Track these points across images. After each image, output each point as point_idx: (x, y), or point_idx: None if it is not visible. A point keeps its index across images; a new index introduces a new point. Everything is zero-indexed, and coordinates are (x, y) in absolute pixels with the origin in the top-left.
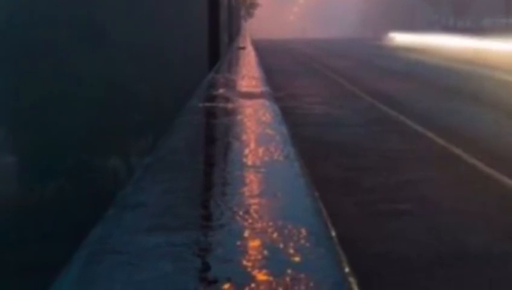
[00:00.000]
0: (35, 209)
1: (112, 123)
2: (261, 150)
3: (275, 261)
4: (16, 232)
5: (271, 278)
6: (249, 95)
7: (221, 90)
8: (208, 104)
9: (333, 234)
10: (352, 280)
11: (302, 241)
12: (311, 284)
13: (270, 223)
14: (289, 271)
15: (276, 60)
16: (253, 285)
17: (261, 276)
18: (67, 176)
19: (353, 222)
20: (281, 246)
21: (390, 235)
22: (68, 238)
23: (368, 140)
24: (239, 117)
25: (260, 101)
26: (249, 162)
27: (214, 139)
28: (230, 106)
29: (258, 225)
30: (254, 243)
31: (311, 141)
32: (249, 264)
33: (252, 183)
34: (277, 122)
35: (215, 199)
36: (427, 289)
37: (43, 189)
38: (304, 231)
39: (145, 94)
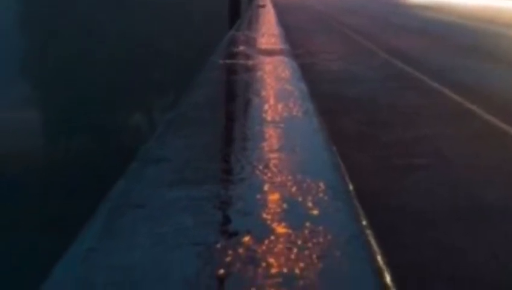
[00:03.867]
0: (60, 163)
1: (135, 79)
2: (280, 106)
3: (293, 214)
4: (41, 186)
5: (290, 231)
6: (269, 52)
7: (241, 48)
8: (228, 61)
9: (351, 187)
10: (369, 232)
11: (321, 195)
12: (329, 236)
13: (289, 177)
14: (307, 224)
15: (294, 18)
16: (272, 237)
17: (280, 229)
18: (92, 131)
19: (369, 176)
20: (300, 199)
21: (406, 188)
22: (92, 191)
23: (384, 96)
24: (259, 73)
25: (279, 58)
26: (269, 118)
27: (235, 95)
28: (250, 62)
29: (278, 179)
30: (273, 197)
31: (328, 97)
32: (269, 217)
33: (272, 138)
34: (296, 78)
35: (235, 154)
36: (443, 242)
37: (68, 144)
38: (322, 185)
39: (168, 51)
